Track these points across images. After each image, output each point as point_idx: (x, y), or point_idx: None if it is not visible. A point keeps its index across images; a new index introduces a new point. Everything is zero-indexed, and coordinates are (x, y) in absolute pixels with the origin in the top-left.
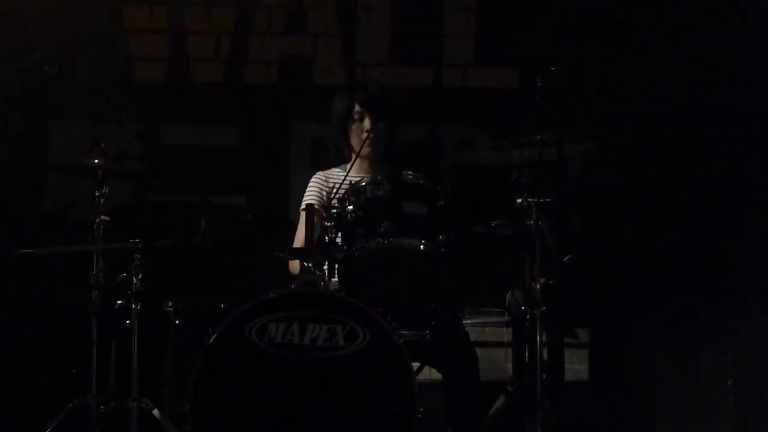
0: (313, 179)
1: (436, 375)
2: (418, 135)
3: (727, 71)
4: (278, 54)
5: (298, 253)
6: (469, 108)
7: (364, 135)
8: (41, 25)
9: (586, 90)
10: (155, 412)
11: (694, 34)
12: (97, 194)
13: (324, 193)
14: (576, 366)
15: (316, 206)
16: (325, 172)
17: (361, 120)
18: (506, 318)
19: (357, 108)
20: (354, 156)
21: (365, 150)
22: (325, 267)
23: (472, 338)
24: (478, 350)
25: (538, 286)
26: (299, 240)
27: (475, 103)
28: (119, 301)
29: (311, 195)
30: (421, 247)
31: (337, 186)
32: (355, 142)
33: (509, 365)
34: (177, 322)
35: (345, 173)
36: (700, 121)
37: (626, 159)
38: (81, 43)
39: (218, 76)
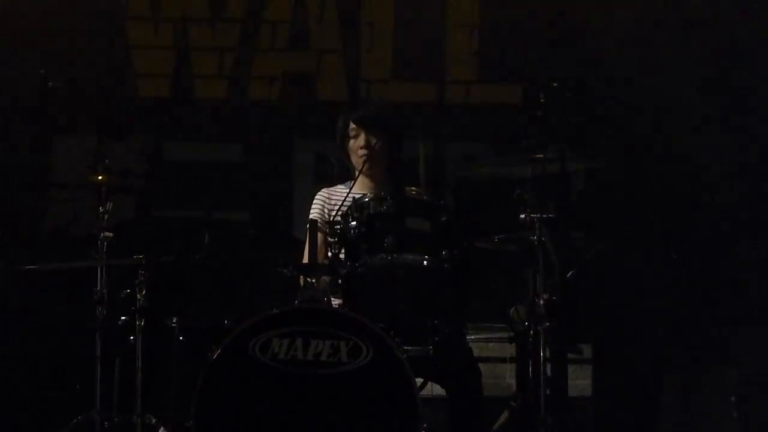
0: (317, 196)
1: (439, 390)
2: (421, 151)
3: (739, 85)
4: (282, 70)
5: (302, 269)
6: (472, 124)
7: (360, 152)
8: (45, 41)
9: (589, 105)
10: (161, 430)
11: (701, 48)
12: (101, 210)
13: (326, 210)
14: (579, 381)
15: (318, 223)
16: (330, 189)
17: (357, 137)
18: (509, 333)
19: (352, 125)
20: (356, 173)
21: (362, 166)
22: (329, 282)
23: (475, 354)
24: (482, 366)
25: (541, 302)
26: (307, 256)
27: (478, 119)
28: (123, 317)
29: (315, 212)
30: (424, 262)
31: (340, 202)
32: (354, 159)
33: (512, 381)
34: (181, 337)
35: (346, 190)
36: (706, 135)
37: (629, 174)
38: (85, 59)
39: (222, 92)
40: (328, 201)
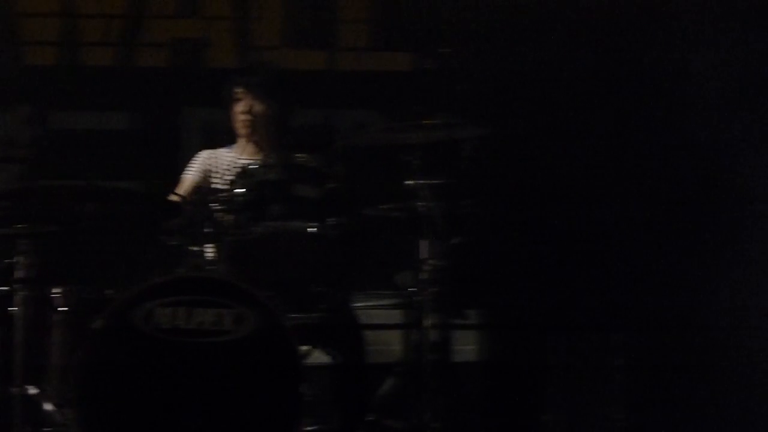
0: (198, 156)
1: (325, 358)
2: (311, 118)
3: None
4: (171, 37)
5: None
6: (363, 91)
7: (241, 117)
8: None
9: (480, 73)
10: (47, 405)
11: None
12: None
13: (210, 173)
14: (465, 347)
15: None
16: (212, 151)
17: (240, 102)
18: (396, 300)
19: (236, 90)
20: (239, 138)
21: (243, 131)
22: (214, 251)
23: (361, 321)
24: (368, 333)
25: (428, 268)
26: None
27: (368, 86)
28: (3, 288)
29: (192, 171)
30: (312, 230)
31: (224, 167)
32: (236, 125)
33: (398, 347)
34: (63, 308)
35: (233, 155)
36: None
37: (521, 144)
38: None
39: (110, 59)
40: (210, 164)
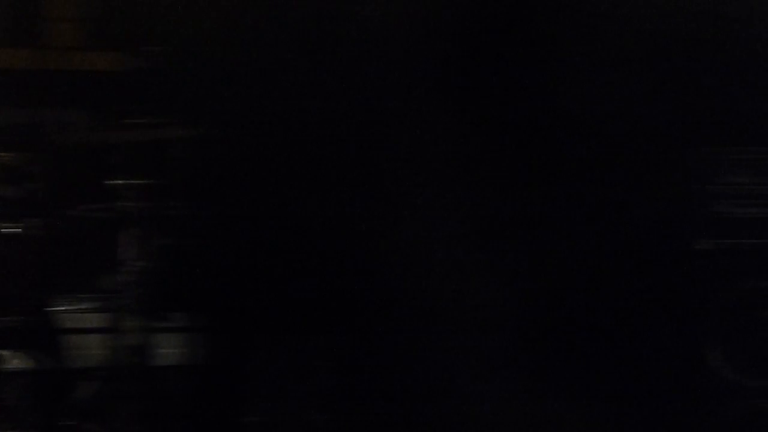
0: None
1: (23, 363)
2: (15, 117)
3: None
4: None
5: None
6: (68, 90)
7: None
8: None
9: (190, 73)
10: None
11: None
12: None
13: None
14: (170, 350)
15: None
16: None
17: None
18: (100, 303)
19: None
20: None
21: None
22: None
23: (64, 324)
24: (71, 336)
25: (132, 270)
26: None
27: (74, 85)
28: None
29: None
30: (10, 230)
31: None
32: None
33: (101, 351)
34: None
35: None
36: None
37: (230, 144)
38: None
39: None
40: None
